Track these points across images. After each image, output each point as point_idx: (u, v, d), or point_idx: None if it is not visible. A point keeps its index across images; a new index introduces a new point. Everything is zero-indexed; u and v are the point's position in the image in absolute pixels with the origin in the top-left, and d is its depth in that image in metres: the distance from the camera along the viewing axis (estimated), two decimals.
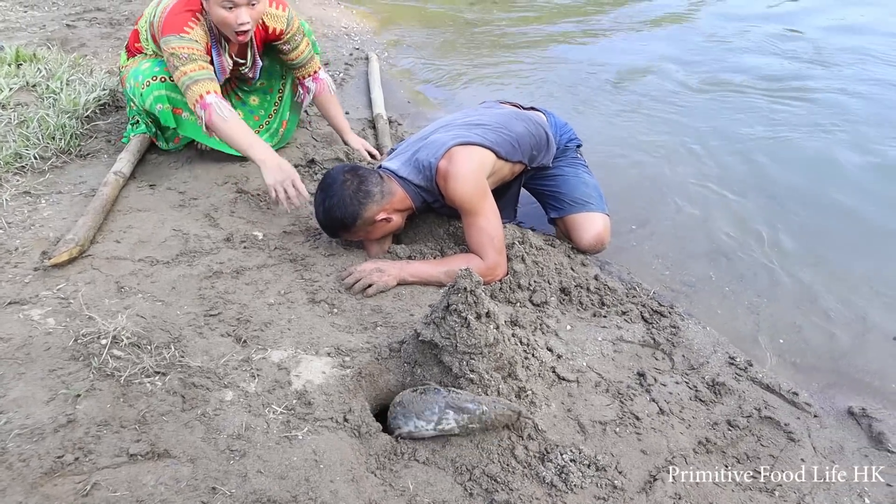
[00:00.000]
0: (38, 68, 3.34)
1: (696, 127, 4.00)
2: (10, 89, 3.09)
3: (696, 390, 2.11)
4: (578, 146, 2.92)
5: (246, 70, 2.90)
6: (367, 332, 2.08)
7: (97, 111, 3.17)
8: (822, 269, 2.85)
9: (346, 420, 1.73)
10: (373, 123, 3.65)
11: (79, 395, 1.67)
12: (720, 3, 6.71)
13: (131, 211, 2.53)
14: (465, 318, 1.73)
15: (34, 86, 3.20)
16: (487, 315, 1.78)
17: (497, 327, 1.79)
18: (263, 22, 2.75)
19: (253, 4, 2.49)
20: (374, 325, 2.11)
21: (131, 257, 2.27)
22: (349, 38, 4.98)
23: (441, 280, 2.32)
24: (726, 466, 1.86)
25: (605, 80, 4.62)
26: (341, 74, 4.30)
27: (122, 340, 1.85)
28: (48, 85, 3.21)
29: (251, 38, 2.76)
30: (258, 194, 2.74)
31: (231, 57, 2.80)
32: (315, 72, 3.09)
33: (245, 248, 2.39)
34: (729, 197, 3.34)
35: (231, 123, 2.54)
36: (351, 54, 4.66)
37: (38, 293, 2.04)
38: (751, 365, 2.27)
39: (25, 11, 4.71)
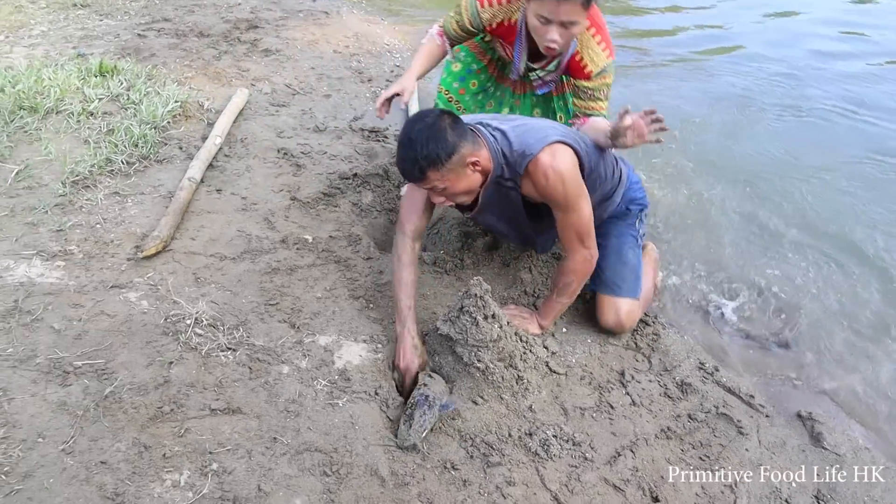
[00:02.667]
0: (120, 80, 3.84)
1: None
2: (99, 100, 3.60)
3: (666, 388, 2.53)
4: (642, 209, 2.82)
5: (534, 79, 2.88)
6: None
7: (170, 121, 3.66)
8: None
9: (376, 394, 2.20)
10: None
11: (171, 363, 2.16)
12: None
13: (202, 212, 3.00)
14: (475, 318, 2.19)
15: (117, 96, 3.70)
16: (493, 316, 2.23)
17: (500, 326, 2.24)
18: (582, 54, 2.63)
19: (568, 26, 2.38)
20: None
21: (204, 253, 2.74)
22: (391, 56, 5.44)
23: (568, 303, 2.59)
24: (682, 450, 2.29)
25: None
26: (382, 90, 4.74)
27: (202, 321, 2.34)
28: (129, 96, 3.71)
29: (564, 55, 2.67)
30: (308, 202, 3.20)
31: (528, 60, 2.80)
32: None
33: (297, 249, 2.85)
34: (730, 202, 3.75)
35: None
36: (392, 71, 5.12)
37: (132, 280, 2.52)
38: (717, 370, 2.68)
39: (101, 20, 5.24)
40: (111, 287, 2.46)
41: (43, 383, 2.02)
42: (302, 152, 3.64)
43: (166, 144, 3.48)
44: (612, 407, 2.38)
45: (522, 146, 2.29)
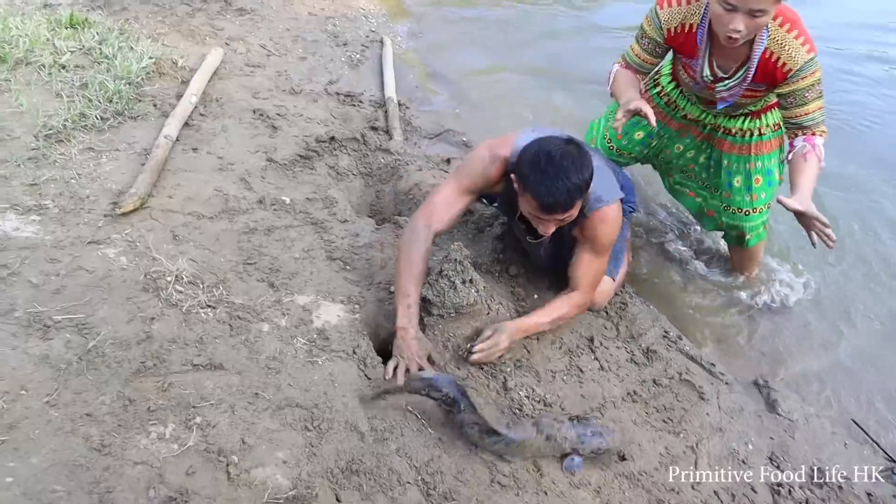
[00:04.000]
0: (92, 33, 3.77)
1: None
2: (71, 52, 3.53)
3: (633, 354, 2.63)
4: (632, 210, 2.83)
5: (722, 89, 2.55)
6: (372, 287, 2.59)
7: (144, 78, 3.61)
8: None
9: (354, 353, 2.26)
10: (384, 106, 4.09)
11: (153, 319, 2.18)
12: None
13: (179, 171, 2.99)
14: (453, 282, 2.26)
15: (89, 50, 3.64)
16: (471, 281, 2.30)
17: (477, 291, 2.31)
18: (773, 51, 2.33)
19: (755, 15, 2.14)
20: (378, 283, 2.62)
21: (182, 211, 2.74)
22: (366, 20, 5.40)
23: (546, 329, 2.49)
24: (646, 413, 2.40)
25: None
26: (357, 55, 4.73)
27: (182, 279, 2.36)
28: (101, 50, 3.64)
29: (751, 58, 2.38)
30: (285, 164, 3.20)
31: (712, 66, 2.54)
32: (814, 134, 2.45)
33: (275, 210, 2.87)
34: None
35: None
36: (367, 36, 5.09)
37: (109, 236, 2.52)
38: (680, 339, 2.80)
39: None
40: (88, 242, 2.45)
41: (23, 337, 2.03)
42: (278, 114, 3.63)
43: (140, 101, 3.44)
44: (581, 371, 2.47)
45: (596, 198, 2.32)
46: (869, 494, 2.29)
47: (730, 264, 3.27)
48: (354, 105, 4.03)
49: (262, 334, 2.24)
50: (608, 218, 2.35)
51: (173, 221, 2.67)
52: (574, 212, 2.18)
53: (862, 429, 2.56)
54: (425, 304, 2.34)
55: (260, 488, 1.78)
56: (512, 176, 2.23)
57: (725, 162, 2.86)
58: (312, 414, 2.02)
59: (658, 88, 2.92)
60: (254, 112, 3.59)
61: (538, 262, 2.73)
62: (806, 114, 2.40)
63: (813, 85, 2.34)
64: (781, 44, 2.29)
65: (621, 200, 2.43)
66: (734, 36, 2.19)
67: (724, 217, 2.96)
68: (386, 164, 3.47)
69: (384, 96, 4.19)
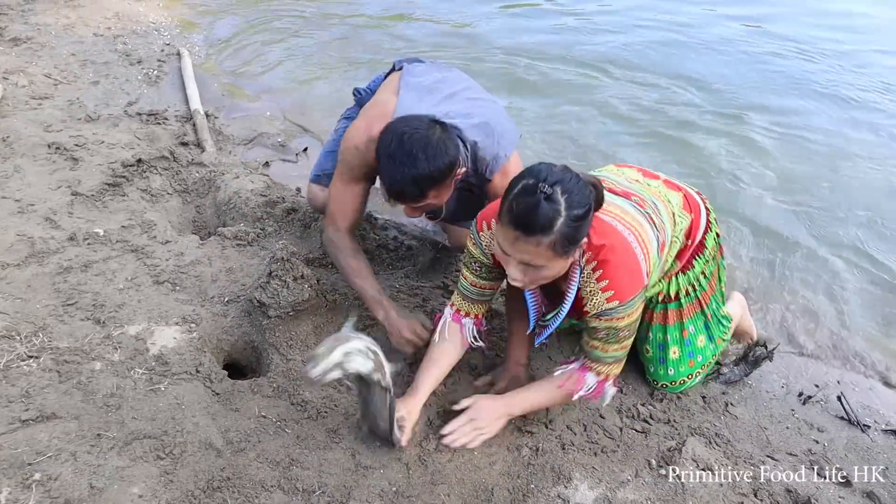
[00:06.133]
0: None
1: None
2: None
3: None
4: None
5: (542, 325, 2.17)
6: (206, 302, 2.53)
7: None
8: None
9: (198, 371, 2.21)
10: (191, 119, 3.96)
11: None
12: None
13: None
14: (285, 281, 2.25)
15: None
16: (302, 277, 2.30)
17: (310, 286, 2.32)
18: (584, 295, 1.93)
19: (530, 267, 1.76)
20: (211, 298, 2.56)
21: None
22: (159, 34, 5.18)
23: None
24: None
25: None
26: (155, 71, 4.54)
27: None
28: None
29: (566, 299, 1.98)
30: (92, 195, 3.04)
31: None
32: (590, 370, 2.05)
33: (89, 244, 2.73)
34: None
35: None
36: (162, 50, 4.89)
37: None
38: None
39: None
40: None
41: None
42: (76, 144, 3.42)
43: None
44: None
45: (488, 156, 2.18)
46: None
47: None
48: (159, 123, 3.88)
49: (95, 373, 2.14)
50: (505, 179, 2.04)
51: None
52: (434, 200, 2.02)
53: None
54: (261, 308, 2.32)
55: None
56: None
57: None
58: (163, 442, 1.96)
59: None
60: (49, 146, 3.37)
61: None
62: (593, 347, 1.99)
63: (609, 329, 1.93)
64: (590, 291, 1.91)
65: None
66: (513, 284, 1.84)
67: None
68: (202, 178, 3.37)
69: (190, 109, 4.06)
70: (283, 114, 4.35)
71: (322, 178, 2.76)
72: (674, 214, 2.15)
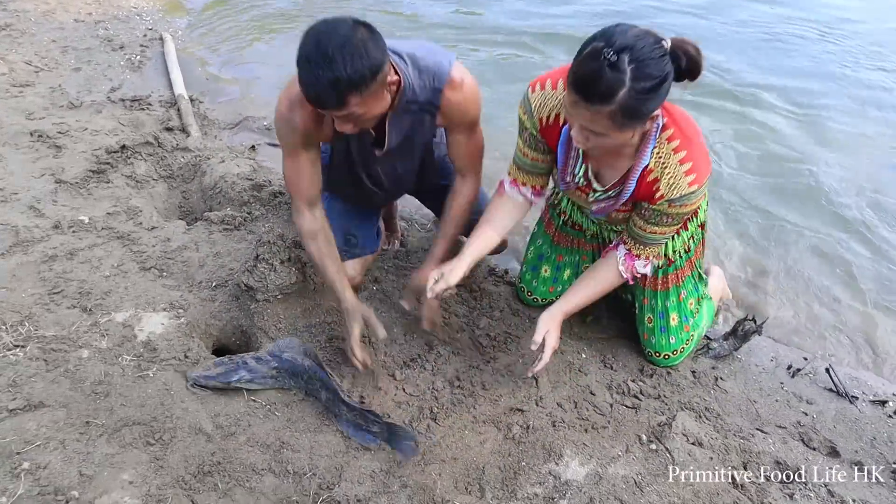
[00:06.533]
0: None
1: None
2: None
3: None
4: None
5: (593, 199, 2.09)
6: (194, 287, 2.51)
7: None
8: None
9: (186, 356, 2.20)
10: (176, 104, 3.92)
11: None
12: None
13: None
14: (272, 264, 2.24)
15: None
16: (290, 260, 2.29)
17: (297, 269, 2.30)
18: (655, 171, 1.86)
19: (595, 132, 1.69)
20: (199, 283, 2.54)
21: None
22: (141, 19, 5.10)
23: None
24: None
25: None
26: (138, 57, 4.47)
27: None
28: None
29: (630, 177, 1.90)
30: (76, 182, 3.01)
31: (586, 172, 2.04)
32: (639, 257, 2.09)
33: (74, 232, 2.70)
34: None
35: None
36: (145, 35, 4.82)
37: None
38: None
39: None
40: None
41: None
42: (59, 132, 3.38)
43: None
44: None
45: (435, 63, 2.01)
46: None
47: None
48: (143, 109, 3.83)
49: (82, 361, 2.13)
50: (461, 82, 2.03)
51: None
52: (358, 110, 1.80)
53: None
54: (248, 292, 2.31)
55: None
56: None
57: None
58: (152, 428, 1.96)
59: (557, 209, 2.49)
60: (31, 134, 3.33)
61: (392, 193, 2.51)
62: (652, 232, 2.00)
63: (678, 214, 1.92)
64: (665, 166, 1.83)
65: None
66: (580, 147, 1.80)
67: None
68: (187, 163, 3.34)
69: (174, 94, 4.01)
70: (267, 97, 4.30)
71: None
72: None
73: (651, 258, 2.09)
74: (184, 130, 3.65)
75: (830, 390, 2.47)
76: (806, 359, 2.62)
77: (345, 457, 1.97)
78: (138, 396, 2.04)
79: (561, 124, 1.95)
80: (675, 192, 1.83)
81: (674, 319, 2.37)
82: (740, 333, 2.53)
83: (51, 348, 2.15)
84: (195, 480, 1.85)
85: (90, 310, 2.34)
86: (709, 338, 2.60)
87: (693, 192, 1.83)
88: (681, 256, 2.29)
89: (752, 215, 3.45)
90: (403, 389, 2.21)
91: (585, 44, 1.60)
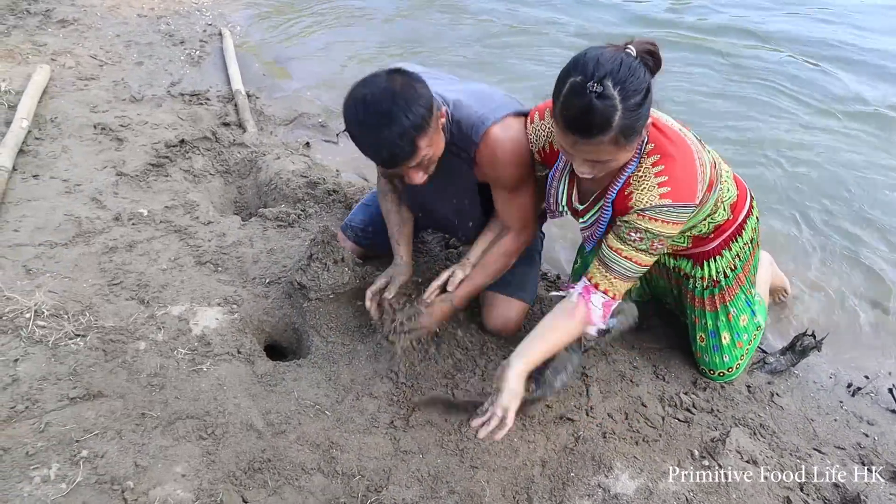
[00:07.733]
0: None
1: None
2: None
3: None
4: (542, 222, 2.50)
5: (583, 226, 2.07)
6: (248, 283, 2.54)
7: None
8: None
9: (239, 352, 2.23)
10: (233, 99, 3.98)
11: (17, 360, 2.07)
12: None
13: (21, 202, 2.82)
14: (325, 263, 2.25)
15: None
16: (342, 260, 2.30)
17: (350, 269, 2.31)
18: (631, 183, 1.82)
19: (601, 162, 1.69)
20: (252, 279, 2.57)
21: (32, 243, 2.59)
22: (201, 14, 5.20)
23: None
24: None
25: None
26: (197, 52, 4.56)
27: (43, 313, 2.24)
28: None
29: (610, 189, 1.87)
30: (136, 175, 3.08)
31: (570, 197, 2.03)
32: (597, 286, 1.92)
33: (133, 224, 2.76)
34: None
35: None
36: (204, 31, 4.91)
37: None
38: None
39: None
40: None
41: None
42: (121, 125, 3.47)
43: None
44: None
45: (479, 116, 1.95)
46: None
47: None
48: (202, 103, 3.91)
49: (139, 353, 2.18)
50: (496, 142, 1.95)
51: (23, 255, 2.52)
52: (429, 150, 1.80)
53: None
54: (301, 290, 2.32)
55: None
56: None
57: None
58: (205, 422, 1.99)
59: None
60: (95, 127, 3.42)
61: (440, 228, 2.61)
62: (617, 252, 1.86)
63: (647, 232, 1.81)
64: (640, 178, 1.80)
65: (521, 114, 2.01)
66: (583, 177, 1.78)
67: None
68: (243, 159, 3.39)
69: (232, 90, 4.07)
70: (322, 94, 4.34)
71: (347, 228, 2.58)
72: (728, 175, 2.09)
73: (610, 293, 1.90)
74: (240, 126, 3.70)
75: (893, 411, 2.38)
76: (867, 377, 2.53)
77: (393, 459, 1.97)
78: (192, 390, 2.08)
79: (557, 151, 1.92)
80: (644, 200, 1.77)
81: (725, 338, 2.31)
82: (798, 349, 2.46)
83: (109, 339, 2.20)
84: (245, 476, 1.87)
85: (147, 302, 2.38)
86: (765, 352, 2.54)
87: (664, 207, 1.76)
88: (726, 276, 2.23)
89: (808, 223, 3.33)
90: (453, 394, 2.21)
91: (560, 80, 1.60)
